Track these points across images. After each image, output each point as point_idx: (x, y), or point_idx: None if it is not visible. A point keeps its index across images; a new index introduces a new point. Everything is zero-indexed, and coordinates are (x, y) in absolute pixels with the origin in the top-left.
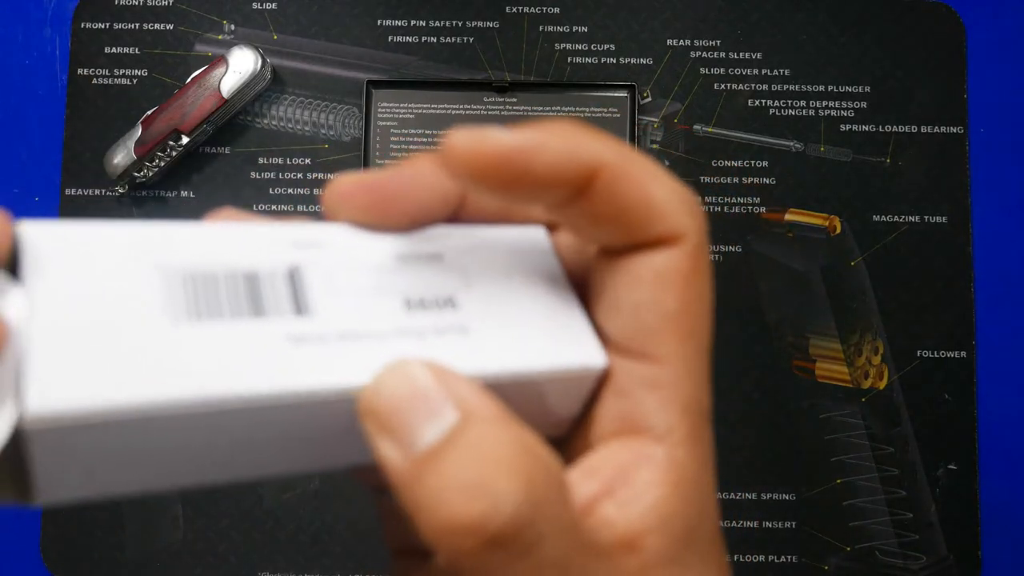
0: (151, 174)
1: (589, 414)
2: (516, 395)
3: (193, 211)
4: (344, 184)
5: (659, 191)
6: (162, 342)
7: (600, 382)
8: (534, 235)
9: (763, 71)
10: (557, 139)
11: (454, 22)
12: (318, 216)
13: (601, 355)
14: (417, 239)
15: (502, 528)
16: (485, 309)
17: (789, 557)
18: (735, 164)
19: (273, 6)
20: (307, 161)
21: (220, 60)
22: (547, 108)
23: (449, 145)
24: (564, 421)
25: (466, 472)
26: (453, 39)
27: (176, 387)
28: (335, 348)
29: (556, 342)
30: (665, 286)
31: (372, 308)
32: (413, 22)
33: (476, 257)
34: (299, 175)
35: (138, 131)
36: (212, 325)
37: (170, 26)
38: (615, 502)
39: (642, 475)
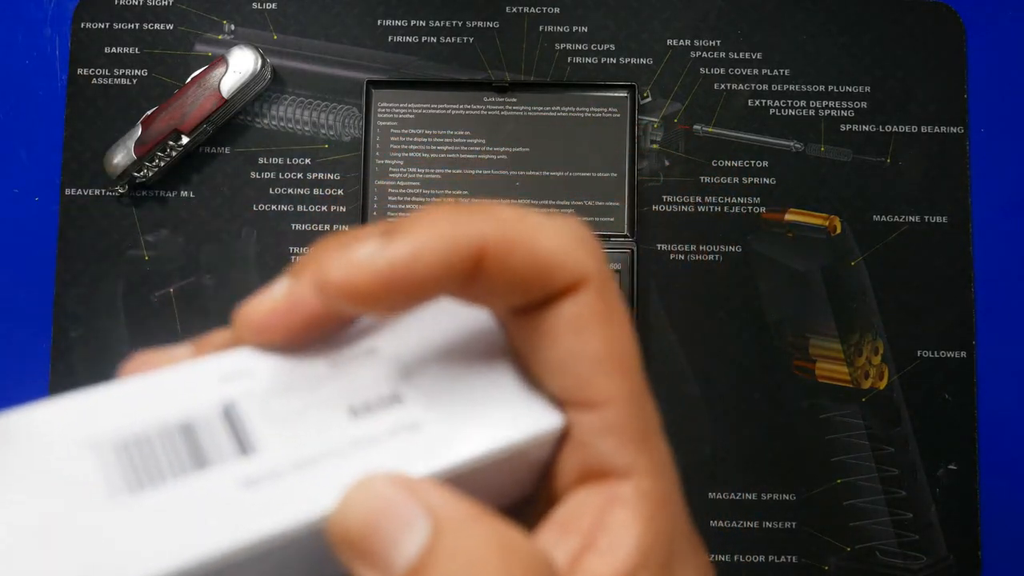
0: (151, 174)
1: (551, 469)
2: (483, 478)
3: (193, 211)
4: (252, 315)
5: (548, 244)
6: (108, 524)
7: (561, 438)
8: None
9: (763, 71)
10: (432, 237)
11: (454, 22)
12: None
13: (556, 414)
14: (346, 338)
15: None
16: (431, 398)
17: (789, 557)
18: (735, 164)
19: (273, 6)
20: (307, 161)
21: (220, 60)
22: (547, 108)
23: (320, 277)
24: (531, 484)
25: None
26: (453, 39)
27: (132, 569)
28: (291, 480)
29: (510, 414)
30: (583, 333)
31: (318, 427)
32: (413, 22)
33: (410, 341)
34: (299, 175)
35: (138, 131)
36: (157, 491)
37: (170, 26)
38: (597, 552)
39: (617, 517)
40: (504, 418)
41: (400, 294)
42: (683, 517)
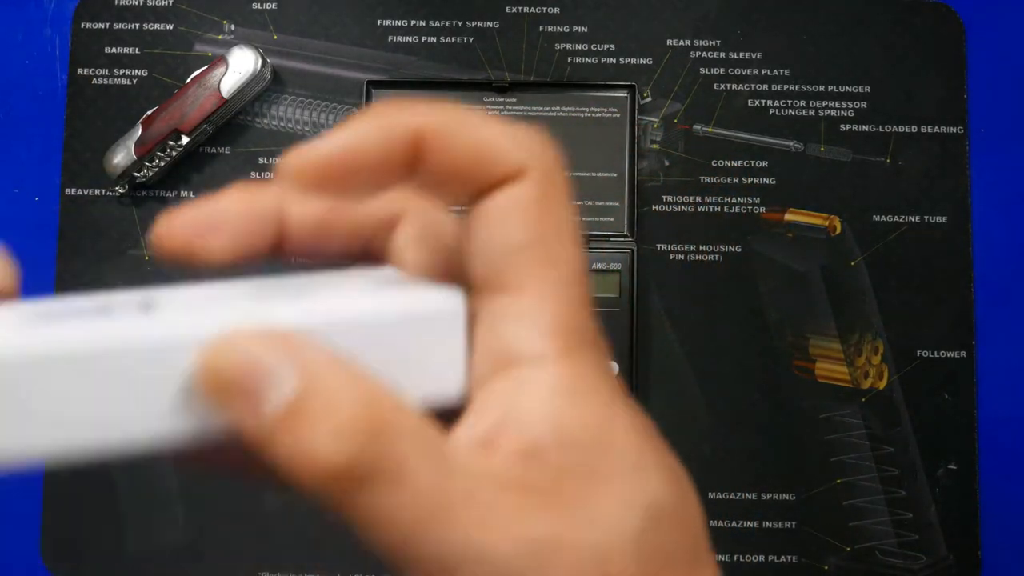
0: (151, 174)
1: (475, 362)
2: (376, 348)
3: None
4: (166, 227)
5: (489, 136)
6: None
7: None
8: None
9: (763, 71)
10: (374, 123)
11: (454, 22)
12: None
13: (457, 300)
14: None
15: (362, 467)
16: (332, 292)
17: (789, 557)
18: (735, 164)
19: (273, 6)
20: None
21: (220, 60)
22: (547, 108)
23: (281, 169)
24: (453, 387)
25: (317, 426)
26: (453, 39)
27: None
28: (179, 315)
29: (409, 297)
30: (509, 219)
31: (219, 298)
32: (413, 22)
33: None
34: None
35: (138, 131)
36: (62, 322)
37: (170, 26)
38: (504, 428)
39: (524, 397)
40: (401, 296)
41: (351, 176)
42: (609, 415)
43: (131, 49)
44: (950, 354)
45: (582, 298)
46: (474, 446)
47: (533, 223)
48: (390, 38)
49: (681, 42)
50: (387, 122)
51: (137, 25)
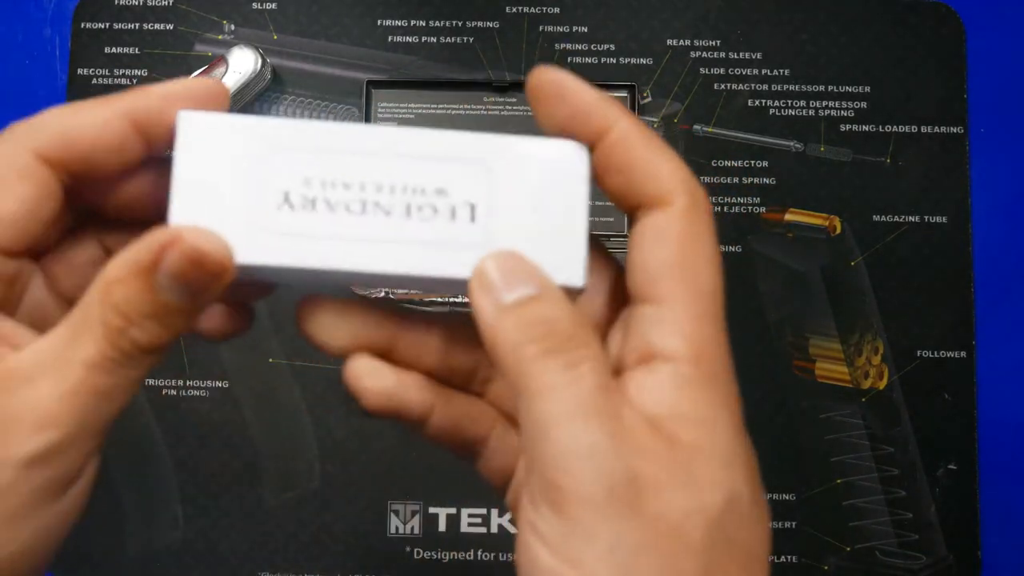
0: None
1: (617, 355)
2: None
3: None
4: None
5: (657, 157)
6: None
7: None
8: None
9: (763, 71)
10: (585, 92)
11: (454, 22)
12: None
13: (581, 276)
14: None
15: (554, 341)
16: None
17: (789, 557)
18: (735, 164)
19: (273, 6)
20: None
21: (220, 60)
22: None
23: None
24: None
25: (536, 314)
26: (453, 39)
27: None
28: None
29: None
30: (661, 241)
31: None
32: (413, 22)
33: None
34: None
35: None
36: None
37: (170, 26)
38: (635, 403)
39: (651, 382)
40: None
41: (559, 98)
42: (726, 411)
43: (131, 49)
44: (950, 354)
45: (715, 313)
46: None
47: (681, 246)
48: (390, 38)
49: (681, 42)
50: (593, 102)
51: (137, 25)
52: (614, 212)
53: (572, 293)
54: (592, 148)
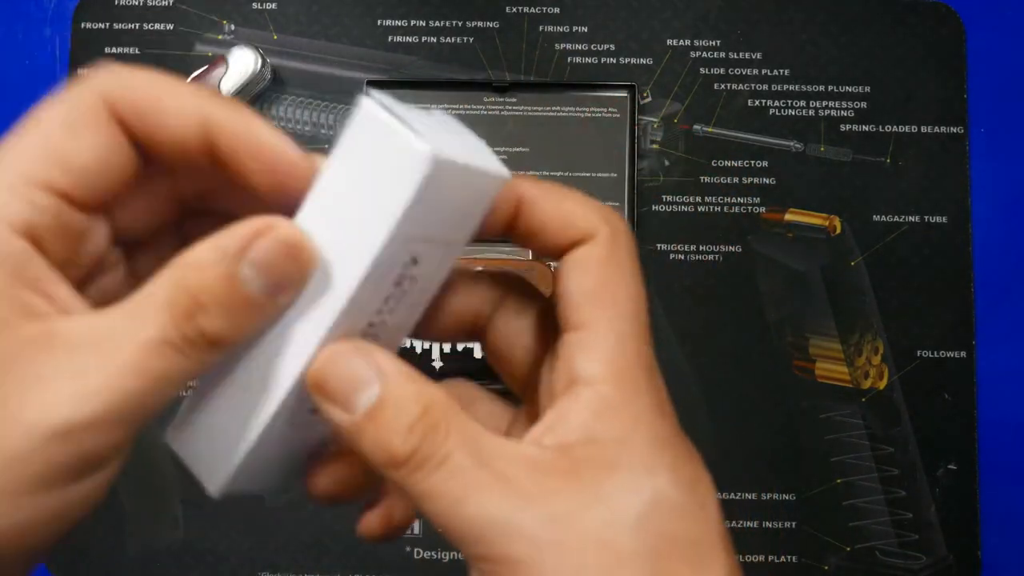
0: None
1: (547, 386)
2: (448, 188)
3: None
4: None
5: (569, 205)
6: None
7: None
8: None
9: (763, 71)
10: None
11: (454, 22)
12: None
13: (505, 170)
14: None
15: (419, 455)
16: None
17: (789, 557)
18: (735, 164)
19: (273, 6)
20: None
21: (220, 60)
22: (547, 108)
23: None
24: (466, 231)
25: (391, 425)
26: (453, 39)
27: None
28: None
29: (482, 158)
30: (582, 271)
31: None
32: (413, 22)
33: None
34: None
35: None
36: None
37: (170, 26)
38: (551, 431)
39: (572, 408)
40: (478, 158)
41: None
42: (645, 427)
43: (131, 49)
44: (950, 354)
45: (637, 332)
46: (525, 442)
47: (599, 274)
48: (390, 38)
49: (681, 42)
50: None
51: (137, 25)
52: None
53: (493, 187)
54: (513, 225)
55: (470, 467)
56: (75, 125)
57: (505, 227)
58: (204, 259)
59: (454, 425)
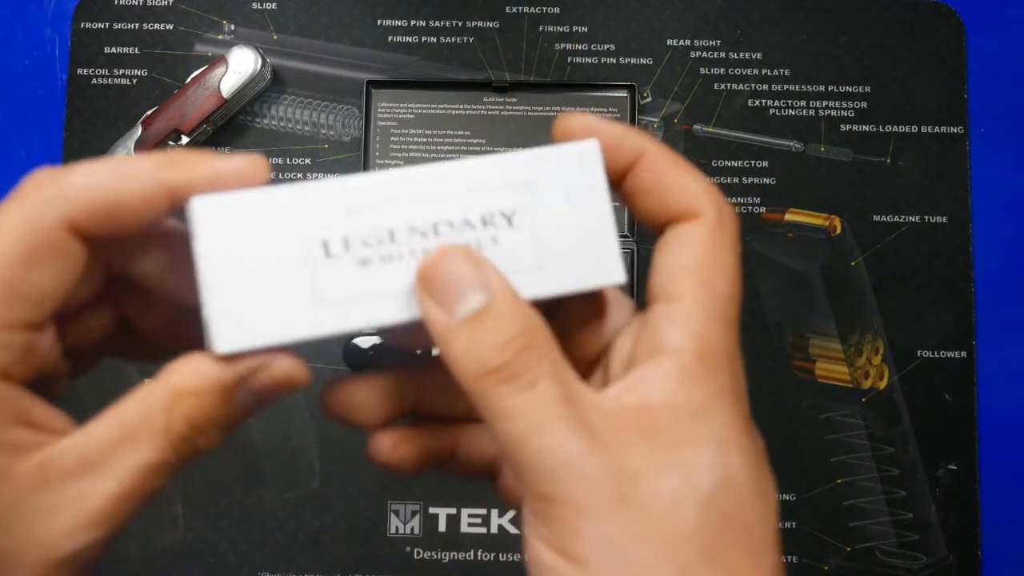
0: None
1: (632, 351)
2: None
3: None
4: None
5: (686, 178)
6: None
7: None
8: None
9: (763, 71)
10: (619, 127)
11: (454, 22)
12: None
13: (620, 272)
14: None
15: (509, 370)
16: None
17: (789, 557)
18: (735, 164)
19: (273, 6)
20: (307, 161)
21: (220, 60)
22: (547, 108)
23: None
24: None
25: (487, 334)
26: (453, 39)
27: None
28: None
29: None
30: (685, 246)
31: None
32: (413, 22)
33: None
34: (299, 175)
35: (138, 131)
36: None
37: (170, 26)
38: (631, 391)
39: (655, 374)
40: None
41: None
42: (726, 404)
43: (131, 49)
44: (950, 354)
45: (727, 318)
46: (606, 396)
47: (702, 252)
48: (390, 38)
49: (681, 42)
50: (624, 131)
51: (137, 25)
52: (615, 211)
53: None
54: (624, 176)
55: (556, 399)
56: (36, 253)
57: (619, 175)
58: (201, 387)
59: (547, 354)
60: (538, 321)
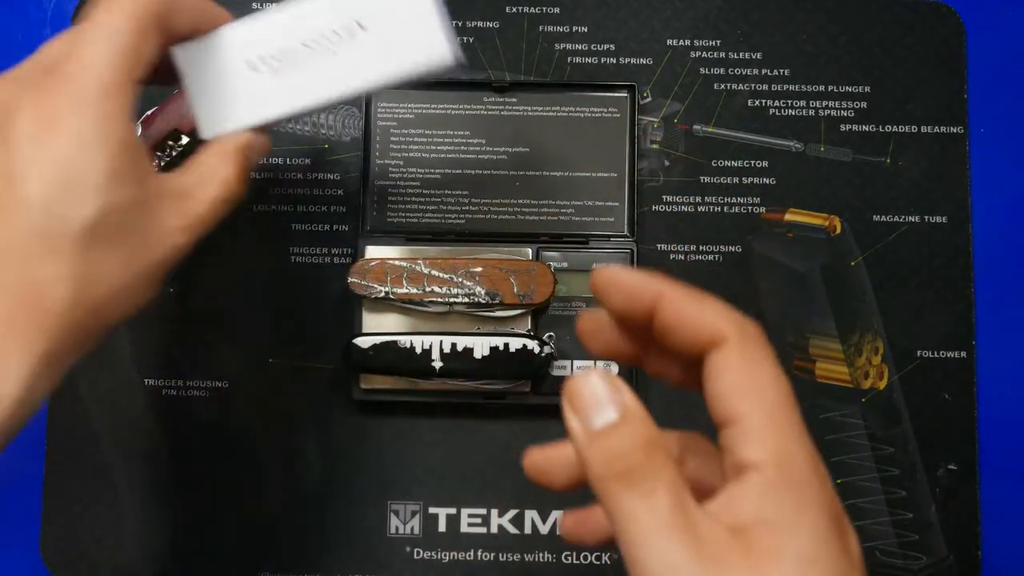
0: None
1: (721, 473)
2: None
3: None
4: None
5: (701, 308)
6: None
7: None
8: None
9: (763, 71)
10: (632, 275)
11: (454, 22)
12: (316, 218)
13: (447, 53)
14: None
15: (632, 475)
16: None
17: None
18: (735, 164)
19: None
20: (307, 161)
21: None
22: (547, 108)
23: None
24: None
25: (619, 442)
26: None
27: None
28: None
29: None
30: (723, 372)
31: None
32: None
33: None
34: (299, 175)
35: (138, 131)
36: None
37: None
38: (725, 510)
39: (742, 492)
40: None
41: (614, 293)
42: (812, 502)
43: None
44: (950, 354)
45: (789, 420)
46: (708, 514)
47: (741, 372)
48: None
49: (681, 42)
50: (641, 280)
51: None
52: (614, 212)
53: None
54: (652, 319)
55: (670, 508)
56: (144, 31)
57: (645, 318)
58: (236, 144)
59: (666, 467)
60: (661, 438)
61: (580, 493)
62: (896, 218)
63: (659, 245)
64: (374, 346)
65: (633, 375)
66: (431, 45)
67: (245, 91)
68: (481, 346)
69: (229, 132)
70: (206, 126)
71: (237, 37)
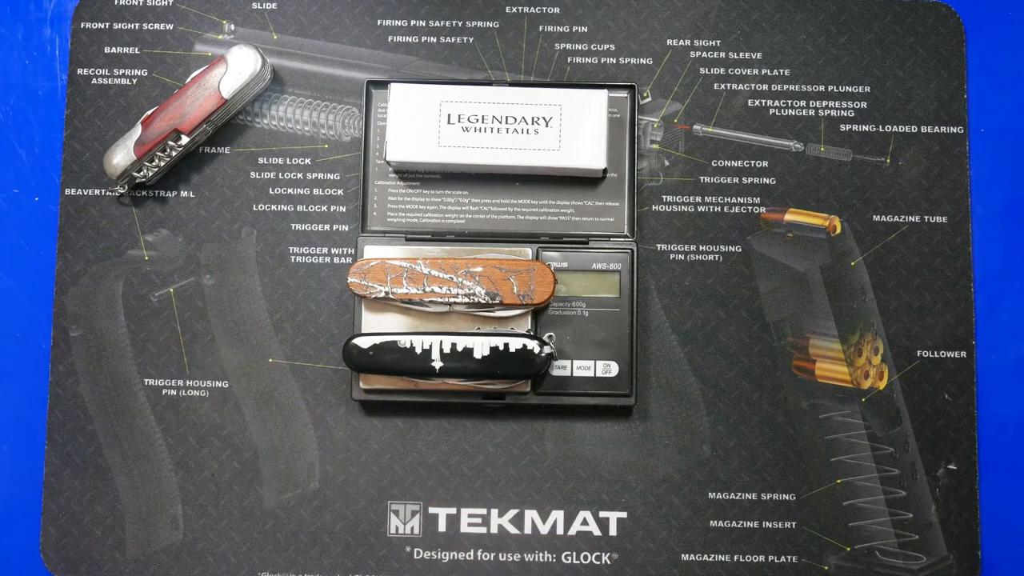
0: (151, 174)
1: None
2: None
3: (193, 211)
4: None
5: None
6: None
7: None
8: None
9: (763, 71)
10: None
11: (454, 22)
12: (316, 218)
13: (602, 161)
14: None
15: None
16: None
17: (789, 557)
18: (735, 164)
19: (273, 6)
20: (307, 161)
21: (220, 60)
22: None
23: None
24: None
25: None
26: (453, 39)
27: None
28: None
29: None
30: None
31: None
32: (413, 22)
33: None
34: (299, 175)
35: (138, 131)
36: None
37: (170, 26)
38: None
39: None
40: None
41: None
42: None
43: (131, 49)
44: (950, 354)
45: None
46: None
47: None
48: (390, 38)
49: (681, 42)
50: None
51: (137, 25)
52: (614, 212)
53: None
54: None
55: None
56: None
57: None
58: None
59: None
60: None
61: (580, 493)
62: (896, 218)
63: (659, 245)
64: (374, 346)
65: (633, 375)
66: (593, 156)
67: (435, 134)
68: (481, 346)
69: (410, 160)
70: (393, 151)
71: (448, 93)
